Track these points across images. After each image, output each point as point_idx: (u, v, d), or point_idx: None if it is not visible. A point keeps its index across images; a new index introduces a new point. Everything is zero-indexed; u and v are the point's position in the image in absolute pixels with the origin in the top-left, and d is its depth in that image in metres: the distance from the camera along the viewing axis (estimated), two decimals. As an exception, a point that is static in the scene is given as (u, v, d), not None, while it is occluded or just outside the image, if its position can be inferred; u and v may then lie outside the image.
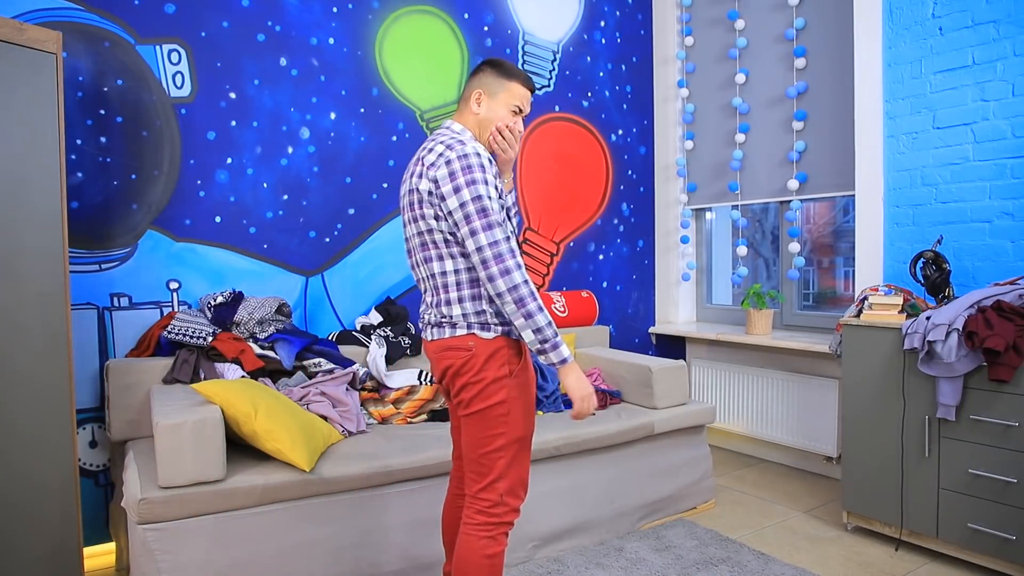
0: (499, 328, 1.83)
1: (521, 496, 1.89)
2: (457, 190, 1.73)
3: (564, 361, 1.78)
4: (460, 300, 1.82)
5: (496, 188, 1.79)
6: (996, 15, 2.86)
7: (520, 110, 1.99)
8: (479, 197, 1.72)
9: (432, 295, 1.88)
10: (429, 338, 1.91)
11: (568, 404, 3.18)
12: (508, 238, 1.74)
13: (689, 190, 4.35)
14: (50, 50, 2.08)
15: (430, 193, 1.77)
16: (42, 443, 2.07)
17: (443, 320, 1.86)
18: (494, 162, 1.89)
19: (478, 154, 1.78)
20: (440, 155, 1.78)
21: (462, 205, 1.72)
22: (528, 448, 1.90)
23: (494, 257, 1.71)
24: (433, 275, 1.85)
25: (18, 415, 2.03)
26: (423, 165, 1.81)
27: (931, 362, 2.54)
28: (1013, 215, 2.85)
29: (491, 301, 1.81)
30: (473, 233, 1.71)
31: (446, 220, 1.77)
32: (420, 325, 1.98)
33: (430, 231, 1.81)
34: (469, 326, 1.82)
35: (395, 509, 2.43)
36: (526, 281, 1.72)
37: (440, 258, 1.82)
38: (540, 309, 1.73)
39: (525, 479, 1.90)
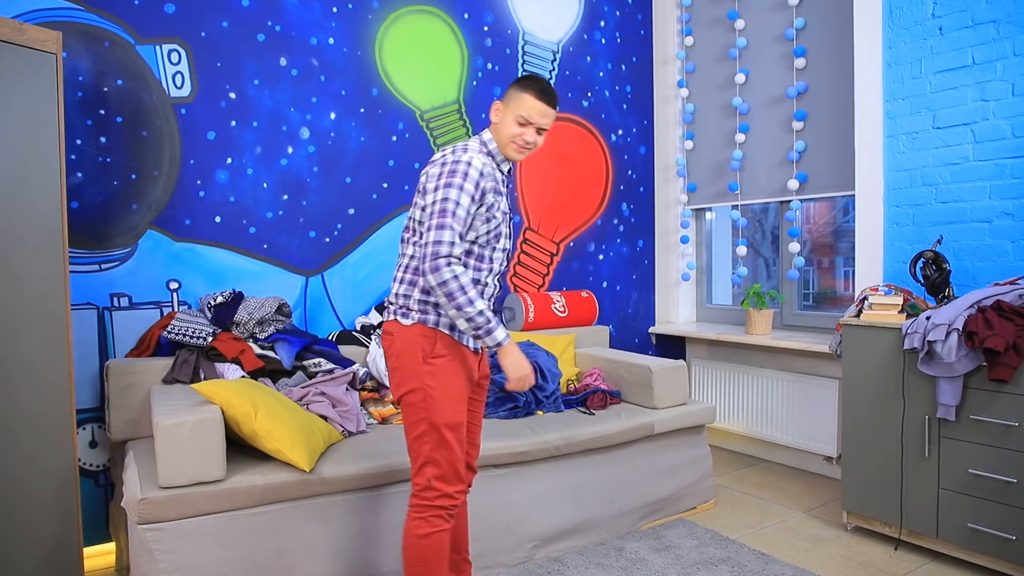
0: (417, 315, 1.96)
1: (454, 483, 1.96)
2: (436, 189, 1.91)
3: (499, 344, 1.90)
4: (400, 281, 2.02)
5: (473, 199, 1.91)
6: (996, 15, 2.86)
7: (526, 121, 2.03)
8: (446, 199, 1.87)
9: (396, 271, 2.08)
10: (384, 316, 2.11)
11: (568, 404, 3.18)
12: (454, 243, 1.85)
13: (689, 190, 4.35)
14: (50, 50, 2.08)
15: (423, 187, 1.98)
16: (42, 443, 2.07)
17: (387, 301, 2.06)
18: (494, 174, 2.03)
19: (470, 163, 1.92)
20: (444, 155, 1.99)
21: (433, 202, 1.89)
22: (457, 437, 1.96)
23: (431, 255, 1.84)
24: (403, 254, 2.06)
25: (18, 415, 2.03)
26: (431, 162, 2.02)
27: (931, 362, 2.54)
28: (1013, 215, 2.85)
29: (424, 291, 1.96)
30: (428, 229, 1.87)
31: (424, 212, 1.96)
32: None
33: (411, 218, 2.04)
34: (394, 311, 2.01)
35: (395, 509, 2.42)
36: (455, 276, 1.83)
37: (407, 241, 2.04)
38: (470, 301, 1.84)
39: (458, 468, 1.97)
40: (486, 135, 2.08)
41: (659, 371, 3.13)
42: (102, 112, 2.80)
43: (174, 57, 2.95)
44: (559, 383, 3.23)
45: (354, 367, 2.96)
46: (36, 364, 2.06)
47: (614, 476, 2.92)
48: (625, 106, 4.36)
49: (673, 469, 3.10)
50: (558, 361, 3.38)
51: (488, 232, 2.01)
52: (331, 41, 3.32)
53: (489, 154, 2.05)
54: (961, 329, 2.45)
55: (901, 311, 2.79)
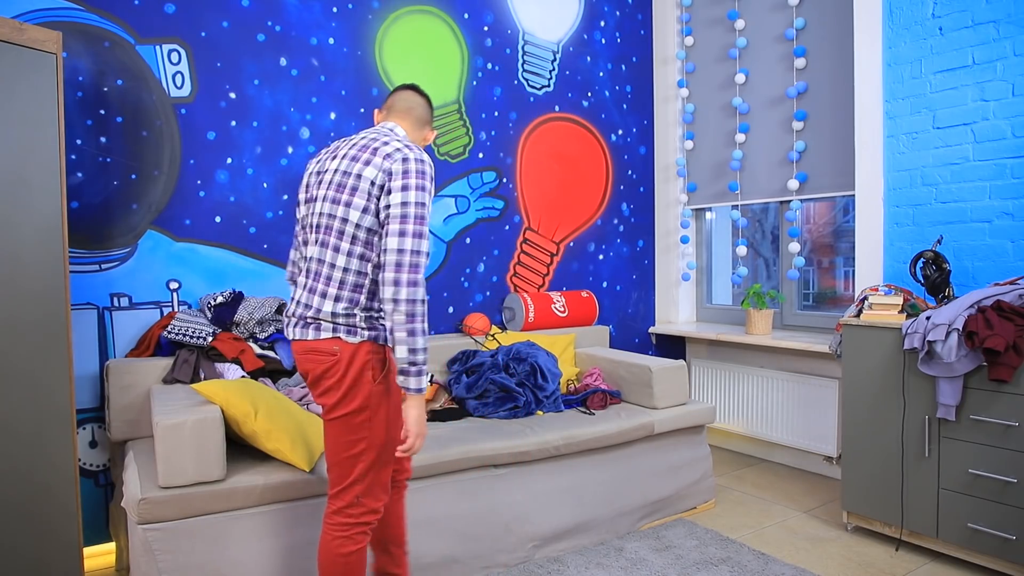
0: (365, 333, 1.82)
1: (381, 498, 1.90)
2: (406, 188, 1.74)
3: (419, 391, 1.79)
4: (337, 298, 1.81)
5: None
6: (996, 15, 2.86)
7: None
8: (423, 204, 1.75)
9: (311, 281, 1.86)
10: (293, 337, 1.88)
11: (568, 404, 3.18)
12: (428, 255, 1.77)
13: (689, 190, 4.35)
14: (50, 50, 2.08)
15: (373, 183, 1.77)
16: (42, 443, 2.07)
17: (309, 317, 1.84)
18: None
19: (432, 166, 1.83)
20: (399, 150, 1.80)
21: (404, 204, 1.73)
22: (392, 453, 1.90)
23: (410, 264, 1.71)
24: (323, 261, 1.84)
25: (18, 415, 2.03)
26: (373, 154, 1.81)
27: (931, 362, 2.54)
28: (1013, 215, 2.85)
29: (366, 308, 1.81)
30: (402, 234, 1.72)
31: (374, 216, 1.78)
32: (285, 318, 1.94)
33: (345, 220, 1.80)
34: (335, 328, 1.81)
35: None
36: (424, 301, 1.74)
37: (336, 249, 1.82)
38: (424, 333, 1.75)
39: (385, 482, 1.91)
40: (400, 132, 1.95)
41: (659, 371, 3.13)
42: (102, 112, 2.80)
43: (174, 57, 2.95)
44: (559, 383, 3.23)
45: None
46: (36, 364, 2.06)
47: (614, 476, 2.92)
48: (625, 106, 4.36)
49: (673, 469, 3.10)
50: (558, 361, 3.39)
51: None
52: (331, 41, 3.32)
53: None
54: (961, 329, 2.45)
55: (901, 311, 2.79)
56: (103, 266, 2.82)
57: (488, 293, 3.85)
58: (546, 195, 4.05)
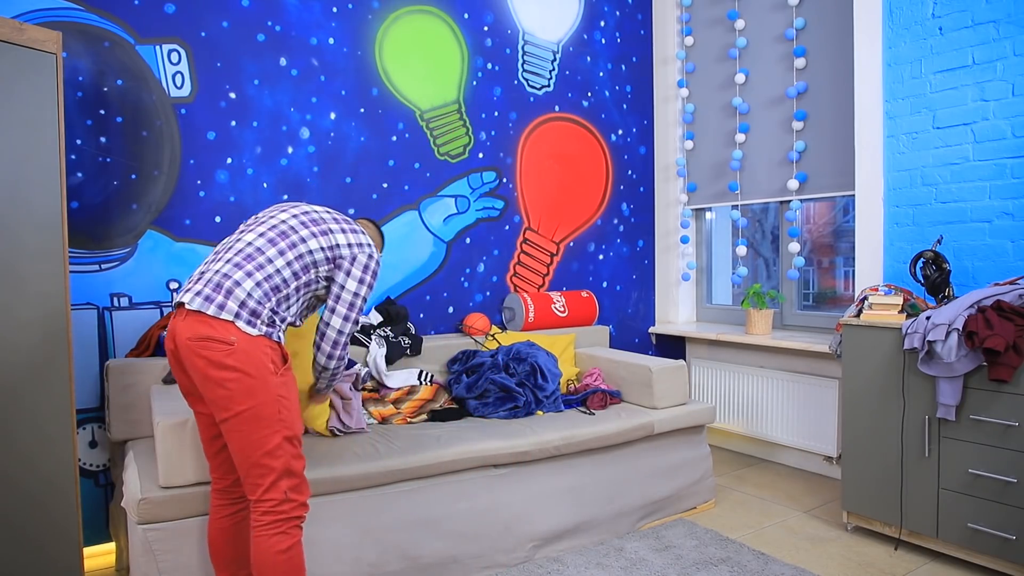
0: (264, 328, 1.87)
1: (305, 490, 1.90)
2: (361, 281, 2.08)
3: (319, 391, 2.31)
4: (258, 284, 1.89)
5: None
6: (996, 15, 2.86)
7: None
8: (365, 299, 2.10)
9: (239, 258, 1.91)
10: (192, 306, 1.82)
11: (568, 404, 3.18)
12: (356, 325, 2.11)
13: (689, 190, 4.35)
14: (50, 50, 2.08)
15: (337, 253, 2.05)
16: (42, 443, 2.07)
17: (219, 291, 1.83)
18: None
19: (379, 265, 2.16)
20: (369, 245, 2.13)
21: (355, 294, 2.07)
22: (300, 444, 1.92)
23: (344, 344, 2.11)
24: (261, 251, 1.95)
25: (18, 415, 2.03)
26: (350, 230, 2.11)
27: (931, 362, 2.54)
28: (1013, 215, 2.85)
29: (272, 311, 1.91)
30: (345, 319, 2.07)
31: (328, 266, 2.05)
32: (187, 284, 1.92)
33: (304, 241, 2.01)
34: (236, 314, 1.82)
35: (395, 509, 2.43)
36: (345, 345, 2.12)
37: (280, 252, 1.97)
38: (341, 359, 2.15)
39: (303, 473, 1.91)
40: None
41: (659, 371, 3.13)
42: (102, 112, 2.80)
43: (174, 57, 2.95)
44: (559, 383, 3.23)
45: (355, 368, 2.97)
46: (36, 364, 2.06)
47: (614, 476, 2.92)
48: (625, 106, 4.36)
49: (673, 469, 3.10)
50: (558, 361, 3.39)
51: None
52: (331, 41, 3.32)
53: None
54: (961, 329, 2.45)
55: (901, 311, 2.79)
56: (103, 266, 2.82)
57: (488, 293, 3.85)
58: (546, 195, 4.05)
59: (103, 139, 2.80)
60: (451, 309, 3.72)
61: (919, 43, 3.11)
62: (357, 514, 2.36)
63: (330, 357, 2.11)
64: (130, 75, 2.85)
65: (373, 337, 3.18)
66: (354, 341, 3.17)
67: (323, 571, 2.28)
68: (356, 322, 2.10)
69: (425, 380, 3.15)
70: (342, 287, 2.05)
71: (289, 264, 1.96)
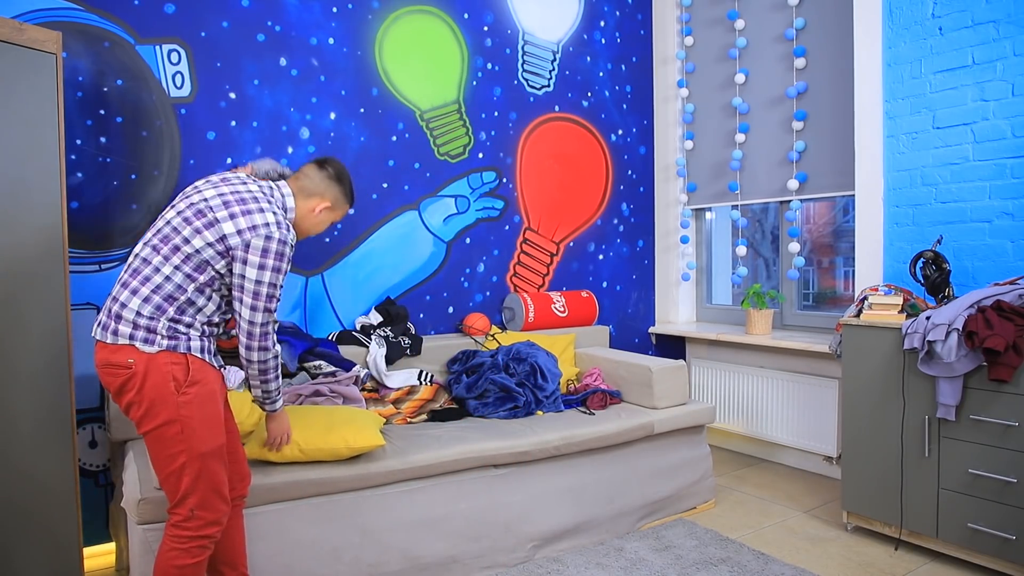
0: (165, 342, 1.80)
1: (219, 508, 1.86)
2: (262, 267, 1.85)
3: (274, 411, 2.09)
4: (146, 299, 1.80)
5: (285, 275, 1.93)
6: (996, 15, 2.86)
7: (334, 223, 2.24)
8: (274, 285, 1.88)
9: (128, 277, 1.85)
10: (95, 336, 1.84)
11: (568, 404, 3.18)
12: (269, 322, 1.90)
13: (689, 190, 4.35)
14: (50, 50, 2.08)
15: (227, 244, 1.83)
16: (42, 443, 2.07)
17: (111, 317, 1.82)
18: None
19: (287, 244, 1.89)
20: (267, 225, 1.86)
21: (258, 282, 1.85)
22: (220, 459, 1.87)
23: (261, 335, 1.89)
24: (147, 261, 1.84)
25: (18, 415, 2.03)
26: (242, 211, 1.86)
27: (931, 362, 2.54)
28: (1013, 215, 2.85)
29: (172, 319, 1.81)
30: (254, 309, 1.86)
31: (223, 259, 1.84)
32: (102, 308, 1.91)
33: (186, 240, 1.83)
34: (131, 336, 1.78)
35: (395, 509, 2.43)
36: (276, 356, 1.96)
37: (164, 256, 1.83)
38: (277, 378, 1.99)
39: (221, 491, 1.87)
40: (290, 202, 2.02)
41: (659, 371, 3.13)
42: (102, 112, 2.80)
43: (174, 57, 2.95)
44: (559, 383, 3.23)
45: (355, 369, 2.97)
46: (36, 364, 2.06)
47: (614, 476, 2.92)
48: (625, 106, 4.36)
49: (673, 469, 3.10)
50: (558, 361, 3.39)
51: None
52: (331, 41, 3.32)
53: (287, 217, 2.01)
54: (961, 329, 2.45)
55: (901, 311, 2.79)
56: (103, 266, 2.82)
57: (488, 293, 3.85)
58: (546, 195, 4.05)
59: (103, 139, 2.80)
60: (451, 309, 3.72)
61: (919, 43, 3.11)
62: (357, 514, 2.36)
63: (248, 349, 1.88)
64: (130, 75, 2.85)
65: (373, 337, 3.18)
66: (354, 341, 3.18)
67: (323, 571, 2.28)
68: (269, 311, 1.88)
69: (425, 380, 3.15)
70: (242, 276, 1.84)
71: (178, 268, 1.82)
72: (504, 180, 3.89)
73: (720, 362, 4.11)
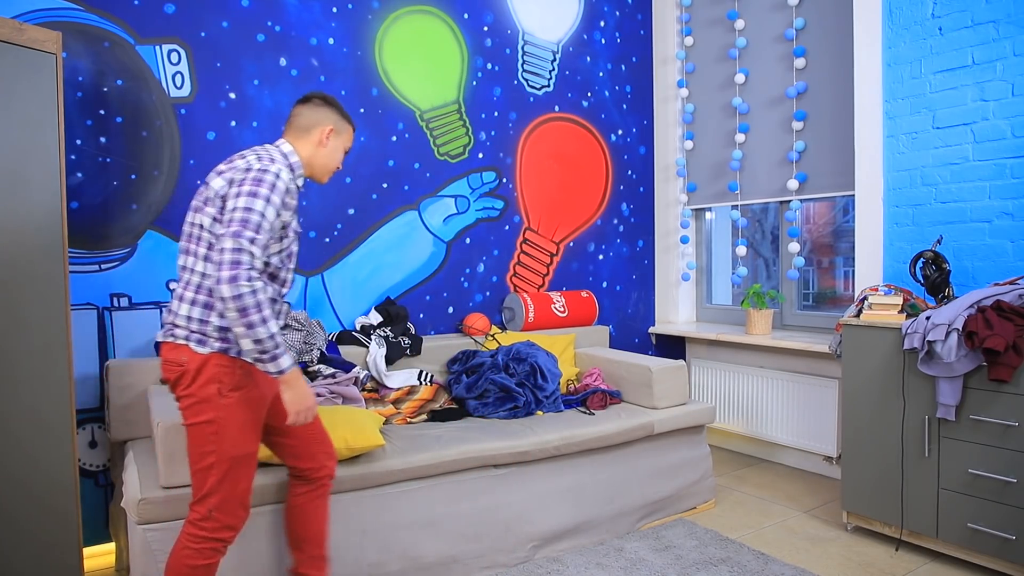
0: (216, 344, 1.83)
1: (237, 514, 1.88)
2: (238, 195, 1.78)
3: (281, 372, 1.79)
4: (192, 303, 1.85)
5: (278, 214, 1.83)
6: (996, 15, 2.86)
7: (347, 151, 2.14)
8: (250, 209, 1.76)
9: (178, 287, 1.91)
10: (158, 339, 1.92)
11: (568, 404, 3.18)
12: (254, 255, 1.74)
13: (689, 190, 4.35)
14: (50, 50, 2.08)
15: (216, 193, 1.83)
16: (42, 443, 2.07)
17: (168, 321, 1.89)
18: (295, 191, 1.95)
19: (278, 175, 1.84)
20: (252, 161, 1.86)
21: (233, 209, 1.77)
22: (248, 467, 1.88)
23: (230, 263, 1.70)
24: (185, 267, 1.89)
25: (18, 415, 2.03)
26: (229, 165, 1.88)
27: (931, 362, 2.54)
28: (1013, 215, 2.85)
29: (223, 314, 1.80)
30: (222, 236, 1.74)
31: (220, 223, 1.82)
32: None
33: (202, 227, 1.85)
34: (187, 337, 1.84)
35: (395, 509, 2.43)
36: (253, 292, 1.71)
37: (195, 255, 1.87)
38: (263, 321, 1.73)
39: (243, 498, 1.88)
40: (286, 148, 1.98)
41: (659, 371, 3.13)
42: (102, 112, 2.80)
43: (174, 57, 2.95)
44: (559, 383, 3.23)
45: (355, 370, 2.97)
46: (36, 364, 2.06)
47: (614, 476, 2.92)
48: (625, 106, 4.36)
49: (673, 469, 3.10)
50: (558, 361, 3.39)
51: (281, 251, 1.93)
52: (331, 41, 3.32)
53: (290, 168, 1.95)
54: (961, 329, 2.45)
55: (901, 311, 2.79)
56: (103, 266, 2.82)
57: (488, 293, 3.85)
58: (546, 195, 4.05)
59: (103, 139, 2.80)
60: (451, 309, 3.72)
61: (919, 43, 3.11)
62: (357, 514, 2.36)
63: (218, 282, 1.70)
64: (130, 75, 2.85)
65: (373, 337, 3.18)
66: (354, 342, 3.18)
67: (323, 571, 2.28)
68: (242, 238, 1.73)
69: (425, 380, 3.15)
70: (232, 210, 1.77)
71: (207, 258, 1.84)
72: (504, 180, 3.89)
73: (720, 362, 4.11)
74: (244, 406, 1.87)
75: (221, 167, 1.90)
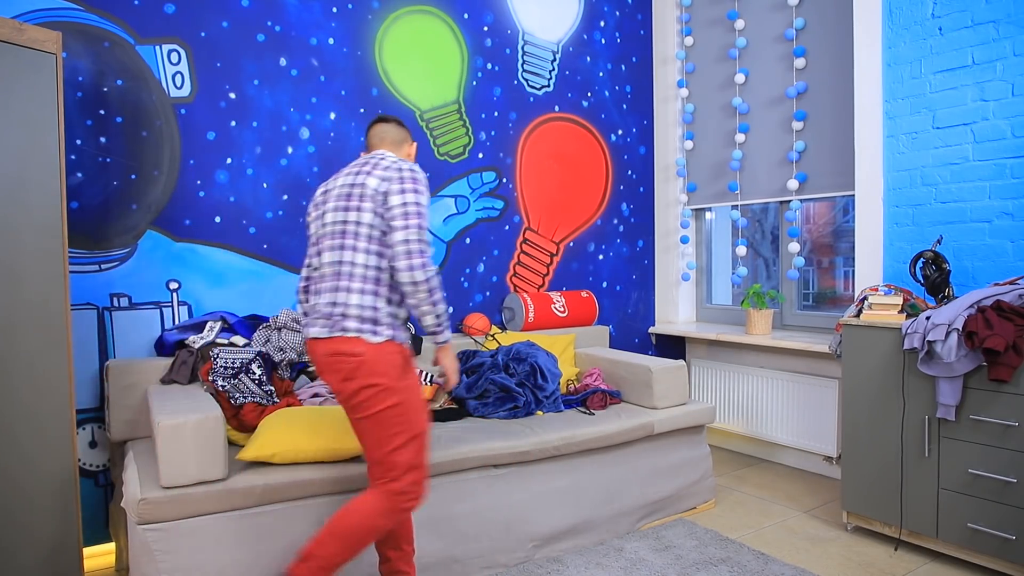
0: (387, 332, 2.00)
1: (424, 485, 2.05)
2: (403, 192, 2.00)
3: (447, 341, 2.11)
4: (362, 291, 1.99)
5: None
6: (996, 15, 2.86)
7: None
8: (419, 204, 2.01)
9: (334, 282, 2.02)
10: (319, 334, 2.01)
11: (568, 404, 3.18)
12: (427, 243, 2.00)
13: (689, 190, 4.35)
14: (50, 50, 2.08)
15: (376, 191, 2.01)
16: (42, 443, 2.07)
17: (335, 314, 1.98)
18: None
19: (422, 174, 2.09)
20: (394, 163, 2.07)
21: (404, 204, 1.98)
22: (426, 439, 2.06)
23: (418, 251, 1.96)
24: (341, 262, 2.01)
25: (18, 415, 2.03)
26: (374, 167, 2.06)
27: (931, 362, 2.54)
28: (1013, 215, 2.85)
29: (388, 301, 2.01)
30: (406, 228, 1.96)
31: (380, 217, 2.01)
32: (307, 319, 2.10)
33: (358, 223, 2.01)
34: (359, 329, 1.97)
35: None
36: (436, 274, 2.01)
37: (352, 248, 2.01)
38: (442, 299, 2.03)
39: (426, 467, 2.06)
40: (393, 157, 2.15)
41: (659, 371, 3.13)
42: (102, 112, 2.80)
43: (174, 57, 2.95)
44: (559, 383, 3.23)
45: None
46: (36, 364, 2.06)
47: (614, 476, 2.92)
48: (625, 106, 4.36)
49: (673, 469, 3.10)
50: (558, 361, 3.39)
51: None
52: (331, 41, 3.32)
53: None
54: (961, 329, 2.45)
55: (901, 311, 2.79)
56: (103, 266, 2.82)
57: (488, 293, 3.85)
58: (546, 195, 4.05)
59: (103, 139, 2.80)
60: (451, 309, 3.71)
61: (919, 43, 3.11)
62: (357, 514, 2.36)
63: (411, 268, 1.94)
64: (130, 75, 2.85)
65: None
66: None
67: (323, 571, 2.28)
68: (421, 228, 1.98)
69: (425, 380, 3.15)
70: (391, 207, 1.99)
71: (367, 251, 2.00)
72: (504, 180, 3.89)
73: (720, 362, 4.11)
74: (416, 387, 2.05)
75: (359, 170, 2.07)
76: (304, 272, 2.21)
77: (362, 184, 2.02)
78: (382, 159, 2.09)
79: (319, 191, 2.17)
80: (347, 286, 1.99)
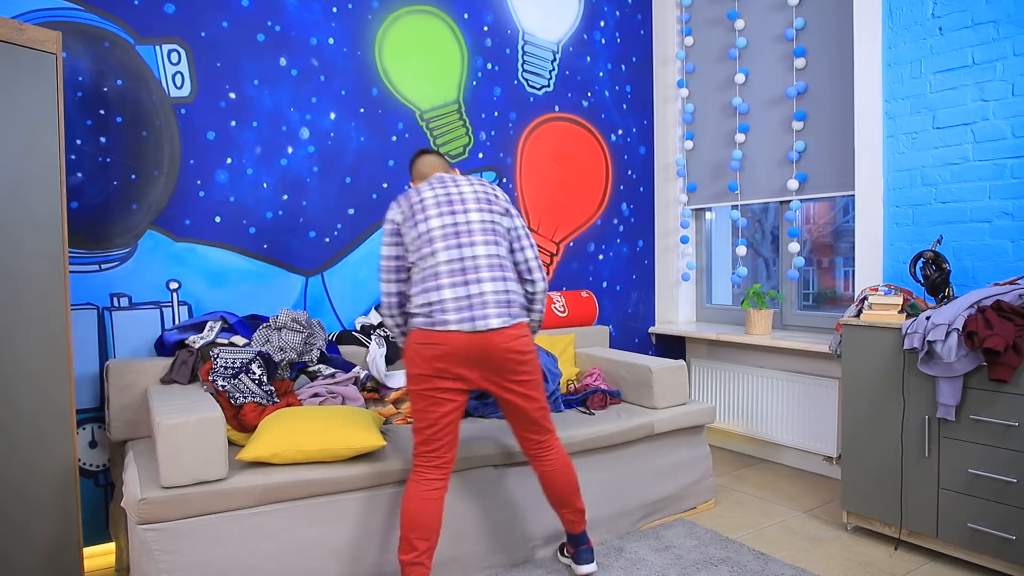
0: (525, 317, 2.32)
1: None
2: (518, 215, 2.44)
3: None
4: (515, 281, 2.31)
5: None
6: (996, 15, 2.87)
7: None
8: (524, 225, 2.44)
9: (489, 272, 2.24)
10: (499, 324, 2.19)
11: (568, 404, 3.19)
12: None
13: (689, 190, 4.35)
14: (50, 50, 2.08)
15: (502, 207, 2.38)
16: (42, 443, 2.07)
17: (500, 301, 2.21)
18: None
19: None
20: (496, 189, 2.43)
21: (521, 226, 2.42)
22: None
23: (539, 267, 2.41)
24: (498, 255, 2.29)
25: (18, 415, 2.03)
26: (483, 185, 2.40)
27: (931, 362, 2.54)
28: (1013, 215, 2.85)
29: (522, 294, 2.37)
30: (532, 247, 2.41)
31: (504, 227, 2.37)
32: (474, 311, 2.18)
33: (500, 225, 2.35)
34: (520, 314, 2.27)
35: (396, 509, 2.42)
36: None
37: (500, 245, 2.31)
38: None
39: None
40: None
41: (659, 371, 3.13)
42: (102, 112, 2.80)
43: (174, 57, 2.95)
44: (559, 383, 3.23)
45: (355, 370, 2.97)
46: (36, 364, 2.06)
47: (614, 476, 2.92)
48: (625, 106, 4.36)
49: (673, 469, 3.10)
50: (558, 361, 3.38)
51: None
52: (331, 41, 3.32)
53: None
54: (961, 329, 2.45)
55: (901, 311, 2.79)
56: (103, 266, 2.82)
57: (488, 293, 3.84)
58: (546, 195, 4.05)
59: (103, 139, 2.80)
60: (451, 309, 3.71)
61: (919, 43, 3.11)
62: (357, 514, 2.36)
63: (543, 279, 2.43)
64: (130, 75, 2.85)
65: (373, 337, 3.17)
66: (354, 341, 3.18)
67: (323, 571, 2.28)
68: (542, 268, 2.43)
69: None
70: (518, 228, 2.41)
71: (509, 248, 2.37)
72: (504, 180, 3.89)
73: (720, 362, 4.11)
74: None
75: (473, 183, 2.38)
76: (398, 287, 2.32)
77: (495, 195, 2.38)
78: (469, 179, 2.41)
79: (428, 198, 2.30)
80: (501, 276, 2.25)
